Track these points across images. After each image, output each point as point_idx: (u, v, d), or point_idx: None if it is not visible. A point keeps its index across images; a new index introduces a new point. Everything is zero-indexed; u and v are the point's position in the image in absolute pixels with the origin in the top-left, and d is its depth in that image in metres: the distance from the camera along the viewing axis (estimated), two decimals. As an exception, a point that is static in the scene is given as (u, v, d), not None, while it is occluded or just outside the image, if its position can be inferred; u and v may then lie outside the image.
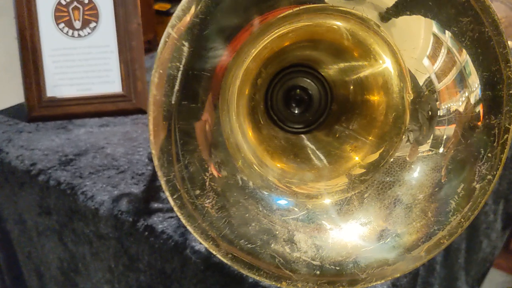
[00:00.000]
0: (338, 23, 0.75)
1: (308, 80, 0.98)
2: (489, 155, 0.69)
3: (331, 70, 0.94)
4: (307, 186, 0.81)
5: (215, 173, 0.61)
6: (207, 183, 0.57)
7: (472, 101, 0.70)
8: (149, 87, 0.50)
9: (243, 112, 0.82)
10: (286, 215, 0.66)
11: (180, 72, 0.49)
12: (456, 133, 0.72)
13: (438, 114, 0.70)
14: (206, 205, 0.56)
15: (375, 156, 0.81)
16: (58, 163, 0.97)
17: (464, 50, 0.62)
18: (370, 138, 0.83)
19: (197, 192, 0.56)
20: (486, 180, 0.69)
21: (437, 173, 0.73)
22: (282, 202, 0.74)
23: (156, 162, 0.51)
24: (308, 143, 0.91)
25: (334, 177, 0.81)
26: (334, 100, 0.98)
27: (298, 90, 0.99)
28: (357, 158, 0.83)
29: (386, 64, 0.78)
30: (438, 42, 0.74)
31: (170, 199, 0.53)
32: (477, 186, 0.70)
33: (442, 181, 0.73)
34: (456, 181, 0.71)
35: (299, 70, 0.98)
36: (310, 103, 0.99)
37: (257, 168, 0.77)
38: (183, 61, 0.49)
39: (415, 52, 0.74)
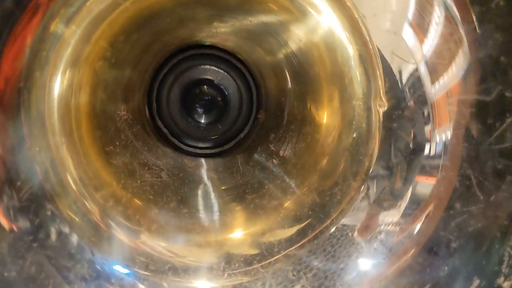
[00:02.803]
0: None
1: (221, 71, 0.60)
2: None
3: (255, 53, 0.56)
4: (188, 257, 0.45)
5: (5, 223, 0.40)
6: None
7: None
8: None
9: (88, 128, 0.44)
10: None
11: None
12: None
13: (428, 149, 0.41)
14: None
15: (302, 220, 0.45)
16: None
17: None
18: (306, 182, 0.46)
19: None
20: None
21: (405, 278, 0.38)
22: None
23: None
24: (205, 177, 0.53)
25: (224, 248, 0.45)
26: (262, 104, 0.60)
27: (205, 87, 0.61)
28: (275, 216, 0.46)
29: (331, 28, 0.42)
30: None
31: None
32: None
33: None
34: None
35: (205, 54, 0.60)
36: (225, 108, 0.61)
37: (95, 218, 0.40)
38: None
39: (386, 18, 0.37)
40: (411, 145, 0.42)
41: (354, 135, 0.46)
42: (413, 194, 0.42)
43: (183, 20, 0.46)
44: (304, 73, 0.48)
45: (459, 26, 0.40)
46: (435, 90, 0.40)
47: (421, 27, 0.40)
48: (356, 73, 0.43)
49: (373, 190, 0.44)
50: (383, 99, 0.43)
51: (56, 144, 0.42)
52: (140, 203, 0.46)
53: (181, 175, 0.54)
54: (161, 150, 0.57)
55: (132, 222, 0.44)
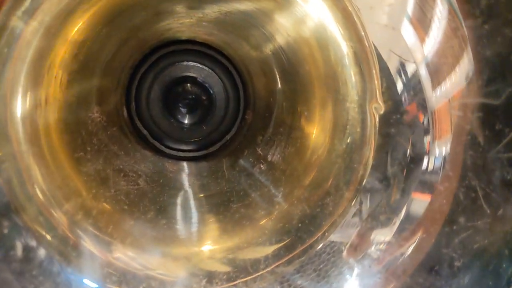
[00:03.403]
0: None
1: (206, 68, 0.56)
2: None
3: (241, 48, 0.52)
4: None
5: None
6: None
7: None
8: None
9: (56, 133, 0.40)
10: None
11: None
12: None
13: (427, 162, 0.37)
14: None
15: (291, 232, 0.41)
16: None
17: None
18: (296, 190, 0.42)
19: None
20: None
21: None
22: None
23: None
24: (186, 183, 0.49)
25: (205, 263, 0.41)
26: (250, 104, 0.56)
27: (188, 85, 0.57)
28: (262, 228, 0.43)
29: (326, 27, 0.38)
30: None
31: None
32: None
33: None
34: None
35: (187, 50, 0.55)
36: (210, 108, 0.57)
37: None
38: None
39: (384, 12, 0.33)
40: (408, 156, 0.37)
41: (348, 141, 0.42)
42: (409, 209, 0.38)
43: (159, 13, 0.42)
44: (294, 72, 0.44)
45: (464, 22, 0.35)
46: (437, 96, 0.36)
47: (421, 23, 0.36)
48: (351, 72, 0.39)
49: (366, 205, 0.40)
50: (380, 102, 0.39)
51: (21, 152, 0.37)
52: (113, 214, 0.42)
53: (161, 181, 0.50)
54: (139, 153, 0.53)
55: (104, 234, 0.40)
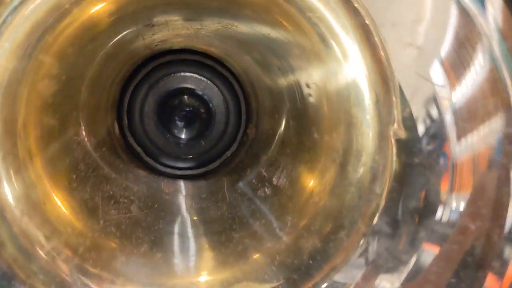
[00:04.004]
0: None
1: (205, 79, 0.52)
2: None
3: (244, 61, 0.47)
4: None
5: None
6: None
7: None
8: None
9: (35, 164, 0.36)
10: None
11: None
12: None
13: (443, 212, 0.33)
14: None
15: (301, 269, 0.37)
16: None
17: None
18: (305, 220, 0.38)
19: None
20: None
21: None
22: None
23: None
24: (183, 206, 0.45)
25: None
26: (253, 118, 0.52)
27: (185, 98, 0.53)
28: (268, 264, 0.38)
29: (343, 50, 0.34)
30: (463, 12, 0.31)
31: None
32: None
33: None
34: None
35: (185, 60, 0.51)
36: (209, 122, 0.53)
37: None
38: None
39: (408, 29, 0.29)
40: (422, 203, 0.34)
41: (363, 169, 0.37)
42: (419, 259, 0.34)
43: (152, 26, 0.37)
44: (300, 92, 0.40)
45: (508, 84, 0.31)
46: (461, 149, 0.32)
47: (454, 69, 0.31)
48: (368, 96, 0.35)
49: (373, 247, 0.36)
50: (401, 125, 0.35)
51: (0, 189, 0.33)
52: (102, 250, 0.37)
53: (155, 206, 0.46)
54: (132, 174, 0.48)
55: (91, 277, 0.35)
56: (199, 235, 0.43)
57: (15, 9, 0.30)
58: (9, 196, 0.34)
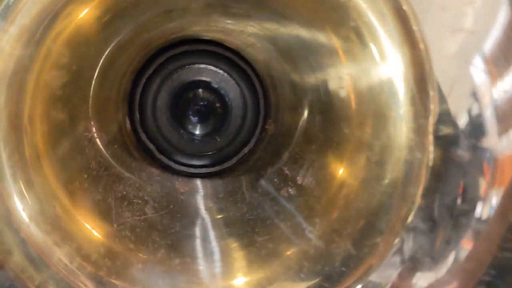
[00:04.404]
0: None
1: (221, 71, 0.48)
2: None
3: (265, 49, 0.44)
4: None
5: None
6: None
7: None
8: None
9: (44, 163, 0.32)
10: None
11: None
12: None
13: (482, 209, 0.31)
14: None
15: (333, 277, 0.34)
16: None
17: None
18: (336, 224, 0.35)
19: None
20: None
21: None
22: None
23: None
24: (202, 207, 0.42)
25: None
26: (271, 113, 0.49)
27: (200, 91, 0.49)
28: (296, 271, 0.35)
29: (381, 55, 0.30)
30: None
31: None
32: None
33: None
34: None
35: (200, 51, 0.48)
36: (225, 116, 0.50)
37: None
38: None
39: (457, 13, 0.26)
40: (460, 201, 0.31)
41: (397, 165, 0.34)
42: (457, 256, 0.32)
43: (171, 11, 0.34)
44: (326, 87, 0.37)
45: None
46: (502, 145, 0.29)
47: (497, 63, 0.28)
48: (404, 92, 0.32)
49: (408, 245, 0.34)
50: (438, 121, 0.32)
51: (6, 191, 0.30)
52: (117, 257, 0.34)
53: (171, 207, 0.43)
54: (145, 173, 0.45)
55: (106, 286, 0.32)
56: (221, 238, 0.40)
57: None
58: (16, 199, 0.30)
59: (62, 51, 0.29)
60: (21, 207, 0.30)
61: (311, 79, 0.39)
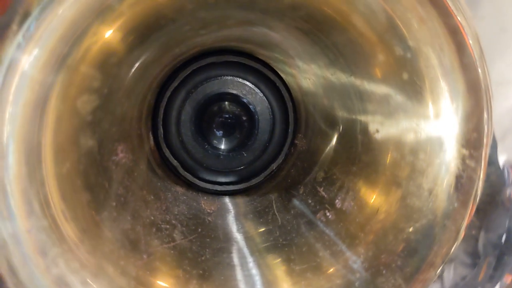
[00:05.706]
0: None
1: (248, 84, 0.46)
2: None
3: (297, 65, 0.41)
4: None
5: None
6: None
7: None
8: None
9: (69, 195, 0.30)
10: None
11: None
12: None
13: None
14: None
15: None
16: None
17: None
18: (384, 255, 0.32)
19: None
20: None
21: None
22: None
23: None
24: (234, 229, 0.39)
25: None
26: (301, 126, 0.46)
27: (226, 104, 0.47)
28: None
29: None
30: None
31: None
32: None
33: None
34: None
35: (226, 62, 0.45)
36: (252, 131, 0.47)
37: None
38: None
39: None
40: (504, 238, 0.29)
41: (451, 192, 0.32)
42: None
43: (206, 26, 0.31)
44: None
45: None
46: None
47: None
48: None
49: (449, 275, 0.32)
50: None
51: (30, 228, 0.27)
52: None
53: (199, 230, 0.40)
54: (170, 193, 0.42)
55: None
56: (261, 265, 0.37)
57: (47, 7, 0.24)
58: (38, 236, 0.28)
59: (93, 74, 0.26)
60: (46, 248, 0.28)
61: (347, 115, 0.36)
